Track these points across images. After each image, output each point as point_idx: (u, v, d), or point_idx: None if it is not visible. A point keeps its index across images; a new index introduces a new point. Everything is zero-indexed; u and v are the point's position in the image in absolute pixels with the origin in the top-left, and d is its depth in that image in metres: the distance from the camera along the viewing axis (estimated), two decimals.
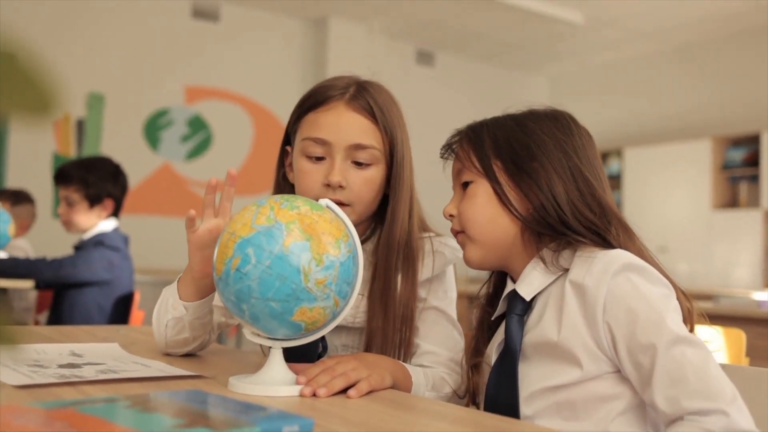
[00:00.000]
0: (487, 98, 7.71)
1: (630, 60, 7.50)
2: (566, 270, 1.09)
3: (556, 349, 1.05)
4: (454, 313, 1.36)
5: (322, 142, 1.28)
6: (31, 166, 5.47)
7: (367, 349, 1.28)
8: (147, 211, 6.01)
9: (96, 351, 1.28)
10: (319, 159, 1.29)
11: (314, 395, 0.98)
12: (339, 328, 1.31)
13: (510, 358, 1.11)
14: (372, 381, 1.03)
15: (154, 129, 6.13)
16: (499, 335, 1.18)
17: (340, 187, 1.26)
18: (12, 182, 5.26)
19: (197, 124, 6.33)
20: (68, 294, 2.76)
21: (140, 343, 1.44)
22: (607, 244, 1.09)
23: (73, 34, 5.70)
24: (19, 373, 1.02)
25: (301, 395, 0.98)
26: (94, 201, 2.81)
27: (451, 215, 1.22)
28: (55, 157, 5.64)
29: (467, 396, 1.24)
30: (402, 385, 1.15)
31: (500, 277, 1.25)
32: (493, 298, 1.25)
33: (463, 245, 1.21)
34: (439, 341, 1.31)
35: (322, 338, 1.29)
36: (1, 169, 5.43)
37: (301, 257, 0.95)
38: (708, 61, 6.95)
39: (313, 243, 0.96)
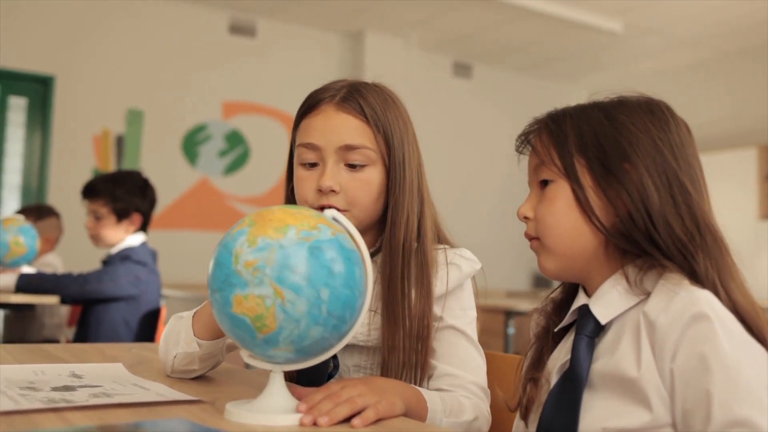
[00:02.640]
0: (525, 110, 7.48)
1: (671, 69, 7.31)
2: (649, 294, 0.95)
3: (631, 386, 0.92)
4: (474, 333, 1.26)
5: (313, 147, 1.23)
6: (72, 181, 5.51)
7: (383, 369, 1.19)
8: (185, 226, 6.02)
9: (97, 372, 1.22)
10: (313, 165, 1.24)
11: (315, 424, 0.90)
12: (351, 347, 1.24)
13: (574, 385, 0.97)
14: (380, 408, 0.94)
15: (192, 144, 6.15)
16: (563, 352, 1.05)
17: (333, 191, 1.20)
18: (53, 197, 5.32)
19: (235, 139, 6.33)
20: (95, 309, 2.74)
21: (149, 362, 1.38)
22: (694, 274, 0.94)
23: (112, 52, 5.76)
24: (6, 397, 0.96)
25: (301, 424, 0.90)
26: (121, 215, 2.79)
27: (526, 217, 1.07)
28: (96, 173, 5.68)
29: (518, 410, 1.10)
30: (416, 412, 1.06)
31: (573, 283, 1.10)
32: (561, 306, 1.11)
33: (537, 252, 1.07)
34: (458, 363, 1.22)
35: (334, 357, 1.21)
36: (43, 184, 5.48)
37: (237, 241, 0.89)
38: (752, 68, 6.73)
39: (254, 228, 0.89)
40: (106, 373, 1.22)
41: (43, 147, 5.53)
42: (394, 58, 6.78)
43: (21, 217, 3.19)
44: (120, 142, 5.82)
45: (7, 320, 3.52)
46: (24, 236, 3.04)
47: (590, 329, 1.00)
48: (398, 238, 1.22)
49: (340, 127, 1.22)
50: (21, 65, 5.39)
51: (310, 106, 1.26)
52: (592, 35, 6.48)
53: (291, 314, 0.86)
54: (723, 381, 0.86)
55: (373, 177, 1.23)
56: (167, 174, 5.90)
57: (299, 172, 1.26)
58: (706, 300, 0.91)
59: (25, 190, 5.51)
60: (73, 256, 4.36)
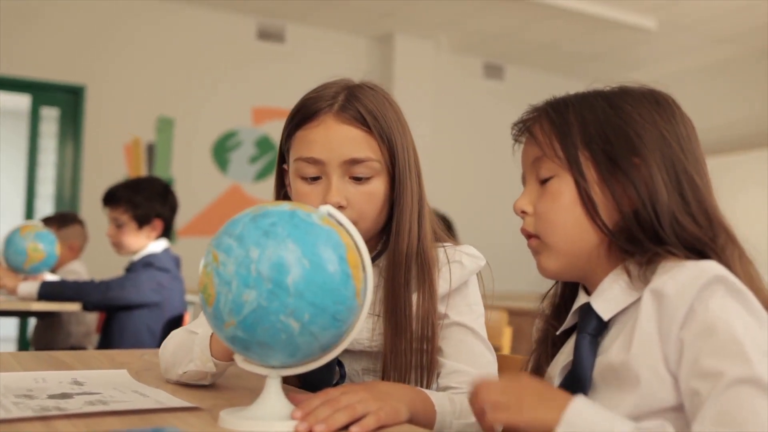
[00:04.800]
0: None
1: (707, 66, 7.13)
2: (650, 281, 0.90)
3: (625, 371, 0.87)
4: (482, 330, 1.21)
5: (315, 162, 1.17)
6: (104, 189, 5.56)
7: (384, 373, 1.14)
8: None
9: (100, 378, 1.19)
10: (315, 179, 1.18)
11: None
12: (358, 353, 1.19)
13: (577, 386, 0.93)
14: (382, 415, 0.89)
15: (222, 151, 6.16)
16: (564, 354, 1.00)
17: (341, 207, 1.15)
18: (85, 206, 5.35)
19: (265, 145, 6.33)
20: (118, 317, 2.73)
21: (157, 368, 1.34)
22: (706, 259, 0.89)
23: (141, 60, 5.79)
24: None
25: None
26: (142, 222, 2.77)
27: (524, 212, 1.02)
28: None
29: None
30: (423, 417, 1.01)
31: (570, 284, 1.05)
32: (560, 310, 1.06)
33: (536, 251, 1.01)
34: (466, 359, 1.17)
35: (340, 363, 1.17)
36: (76, 194, 5.53)
37: None
38: None
39: None
40: (108, 380, 1.19)
41: (76, 156, 5.58)
42: (424, 61, 6.72)
43: (39, 223, 3.18)
44: (151, 150, 5.86)
45: (36, 329, 3.53)
46: (42, 242, 3.01)
47: (593, 327, 0.95)
48: (402, 247, 1.18)
49: (343, 140, 1.17)
50: (52, 76, 5.45)
51: (305, 116, 1.20)
52: (625, 33, 6.35)
53: (223, 276, 0.84)
54: (729, 343, 0.81)
55: (378, 188, 1.19)
56: (198, 181, 5.92)
57: (300, 186, 1.20)
58: (712, 266, 0.86)
59: (59, 200, 5.56)
60: (101, 264, 4.37)
